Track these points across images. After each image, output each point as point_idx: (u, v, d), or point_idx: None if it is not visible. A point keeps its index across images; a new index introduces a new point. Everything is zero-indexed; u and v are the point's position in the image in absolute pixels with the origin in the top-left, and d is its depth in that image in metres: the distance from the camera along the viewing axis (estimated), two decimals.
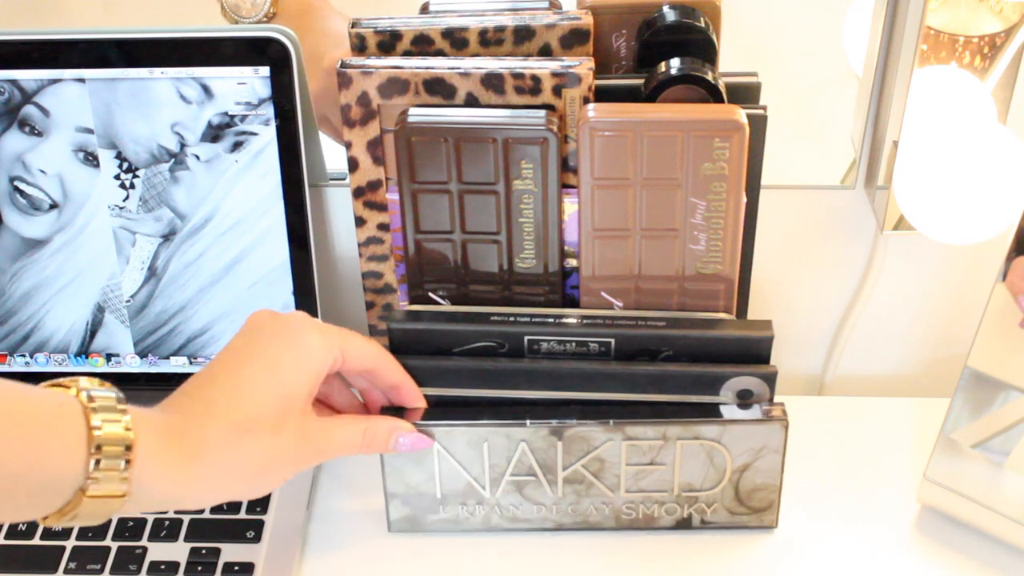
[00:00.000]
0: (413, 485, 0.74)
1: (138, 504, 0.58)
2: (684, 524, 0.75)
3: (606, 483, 0.73)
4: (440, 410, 0.75)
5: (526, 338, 0.76)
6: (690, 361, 0.76)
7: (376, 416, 0.74)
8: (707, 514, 0.75)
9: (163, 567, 0.76)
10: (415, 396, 0.74)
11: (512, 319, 0.77)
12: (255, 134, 0.81)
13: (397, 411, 0.75)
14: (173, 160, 0.82)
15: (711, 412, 0.73)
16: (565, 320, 0.77)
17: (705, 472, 0.72)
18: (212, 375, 0.65)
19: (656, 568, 0.76)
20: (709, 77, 0.73)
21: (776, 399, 0.76)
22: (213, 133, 0.81)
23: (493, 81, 0.73)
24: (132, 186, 0.83)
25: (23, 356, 0.89)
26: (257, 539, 0.78)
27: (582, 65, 0.73)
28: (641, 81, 0.75)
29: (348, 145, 0.77)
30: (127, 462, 0.56)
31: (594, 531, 0.76)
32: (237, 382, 0.64)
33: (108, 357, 0.88)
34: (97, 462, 0.55)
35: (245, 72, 0.79)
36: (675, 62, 0.73)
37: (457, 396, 0.76)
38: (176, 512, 0.79)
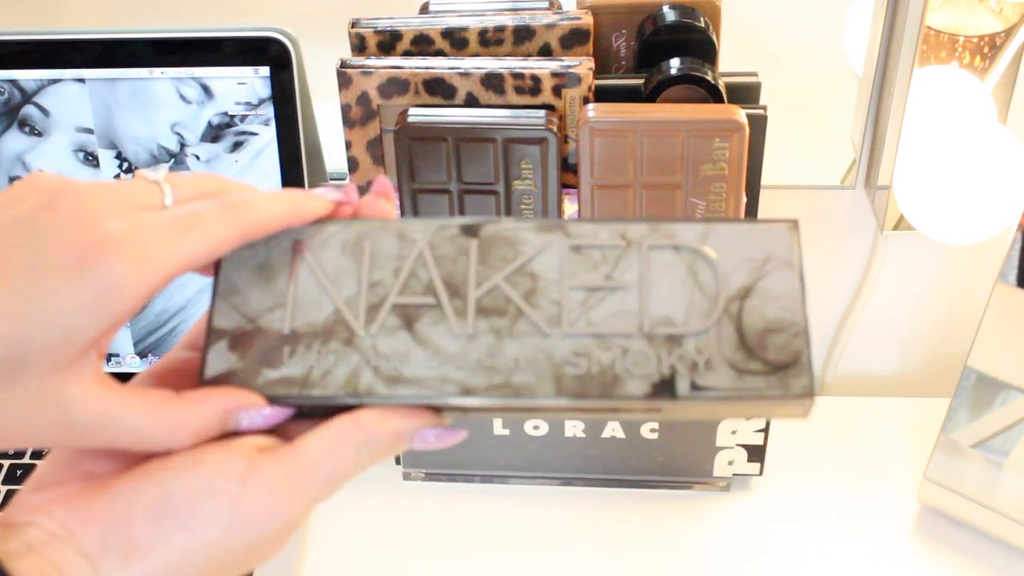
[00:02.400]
0: (252, 315, 0.48)
1: None
2: (665, 389, 0.45)
3: (541, 314, 0.47)
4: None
5: None
6: None
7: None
8: (700, 372, 0.46)
9: None
10: None
11: None
12: (255, 134, 0.80)
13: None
14: (173, 160, 0.82)
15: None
16: None
17: (689, 298, 0.47)
18: None
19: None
20: (709, 77, 0.73)
21: None
22: (213, 133, 0.81)
23: (493, 81, 0.73)
24: None
25: None
26: None
27: (582, 65, 0.73)
28: (641, 81, 0.75)
29: (348, 145, 0.77)
30: None
31: (525, 402, 0.45)
32: None
33: (108, 357, 0.88)
34: None
35: (245, 72, 0.79)
36: (675, 62, 0.73)
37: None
38: None
